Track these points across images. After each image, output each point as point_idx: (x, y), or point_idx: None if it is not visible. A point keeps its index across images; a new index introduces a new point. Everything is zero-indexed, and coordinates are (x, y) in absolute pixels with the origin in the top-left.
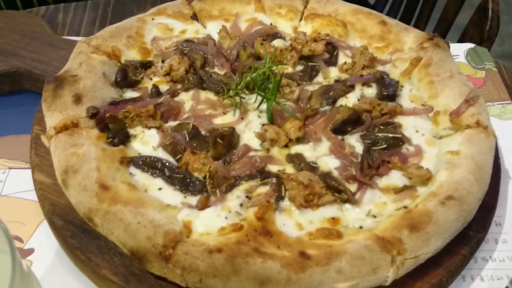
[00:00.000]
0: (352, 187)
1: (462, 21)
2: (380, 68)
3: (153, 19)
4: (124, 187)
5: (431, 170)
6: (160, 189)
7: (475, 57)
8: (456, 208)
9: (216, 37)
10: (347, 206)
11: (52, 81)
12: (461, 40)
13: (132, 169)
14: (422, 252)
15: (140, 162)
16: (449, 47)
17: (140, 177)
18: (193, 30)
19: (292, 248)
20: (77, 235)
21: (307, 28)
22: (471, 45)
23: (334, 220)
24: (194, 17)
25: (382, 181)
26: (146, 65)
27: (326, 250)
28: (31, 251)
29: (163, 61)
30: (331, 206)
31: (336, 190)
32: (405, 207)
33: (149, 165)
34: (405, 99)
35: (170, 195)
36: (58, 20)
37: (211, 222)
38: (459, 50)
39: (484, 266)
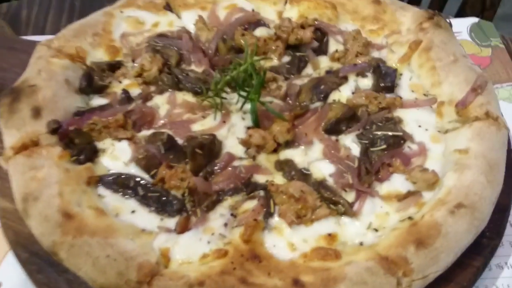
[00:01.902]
0: (350, 196)
1: None
2: (375, 54)
3: (121, 11)
4: (91, 213)
5: (437, 172)
6: (133, 211)
7: (480, 33)
8: (468, 217)
9: (192, 29)
10: (345, 219)
11: (8, 93)
12: (461, 9)
13: (101, 190)
14: (431, 271)
15: (111, 181)
16: (451, 26)
17: (111, 199)
18: (166, 22)
19: (285, 275)
20: (44, 269)
21: (292, 12)
22: (474, 20)
23: (331, 236)
24: (167, 7)
25: (383, 188)
26: (114, 67)
27: (323, 276)
28: None
29: (133, 61)
30: (326, 221)
31: (331, 201)
32: (410, 218)
33: (121, 184)
34: (404, 89)
35: (145, 218)
36: (22, 18)
37: (192, 249)
38: (462, 26)
39: (499, 274)
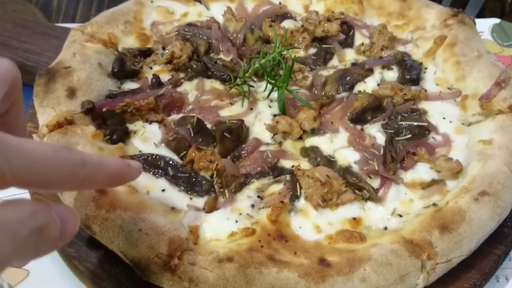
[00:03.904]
0: (375, 183)
1: None
2: (400, 48)
3: (152, 1)
4: (124, 190)
5: (461, 162)
6: (163, 190)
7: (501, 33)
8: (491, 204)
9: (220, 19)
10: (370, 204)
11: (44, 74)
12: (480, 15)
13: None
14: (455, 256)
15: (142, 161)
16: (475, 23)
17: (142, 177)
18: (195, 13)
19: (311, 254)
20: (75, 243)
21: (319, 6)
22: (496, 21)
23: (356, 220)
24: None
25: (408, 176)
26: (145, 53)
27: (349, 256)
28: None
29: (163, 48)
30: (351, 205)
31: (356, 187)
32: (434, 204)
33: (151, 164)
34: (429, 83)
35: (175, 197)
36: (53, 6)
37: (220, 227)
38: (484, 26)
39: None
